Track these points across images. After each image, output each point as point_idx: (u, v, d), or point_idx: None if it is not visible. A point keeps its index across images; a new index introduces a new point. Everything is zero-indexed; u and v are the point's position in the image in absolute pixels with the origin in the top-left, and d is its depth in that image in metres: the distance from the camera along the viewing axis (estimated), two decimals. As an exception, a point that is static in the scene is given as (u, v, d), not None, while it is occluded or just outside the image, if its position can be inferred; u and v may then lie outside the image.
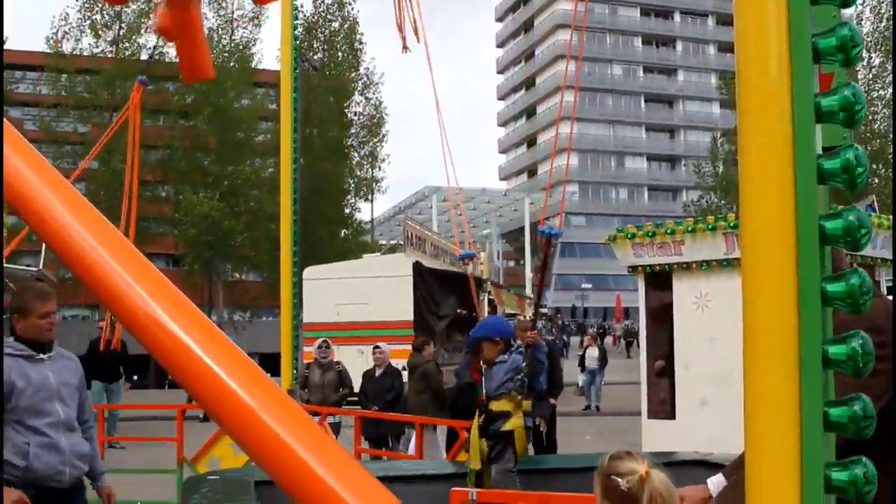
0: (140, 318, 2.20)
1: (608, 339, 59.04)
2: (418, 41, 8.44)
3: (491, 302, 34.35)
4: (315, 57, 42.07)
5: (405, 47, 8.49)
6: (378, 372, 13.64)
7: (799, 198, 2.08)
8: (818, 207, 2.10)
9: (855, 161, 2.11)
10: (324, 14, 45.41)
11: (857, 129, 2.48)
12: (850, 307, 2.08)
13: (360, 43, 46.37)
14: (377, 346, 13.97)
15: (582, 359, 26.66)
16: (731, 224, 11.24)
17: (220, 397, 2.14)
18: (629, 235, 12.47)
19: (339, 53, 45.87)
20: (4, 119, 2.47)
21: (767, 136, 2.11)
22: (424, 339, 14.99)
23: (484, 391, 6.54)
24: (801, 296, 2.07)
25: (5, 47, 42.32)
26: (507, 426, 6.19)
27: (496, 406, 6.24)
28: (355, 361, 17.19)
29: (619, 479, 2.75)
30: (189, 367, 2.17)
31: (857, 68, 43.51)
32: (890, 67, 42.27)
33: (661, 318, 12.61)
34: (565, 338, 56.00)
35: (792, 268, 2.06)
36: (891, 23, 42.65)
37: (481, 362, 6.63)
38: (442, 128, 7.95)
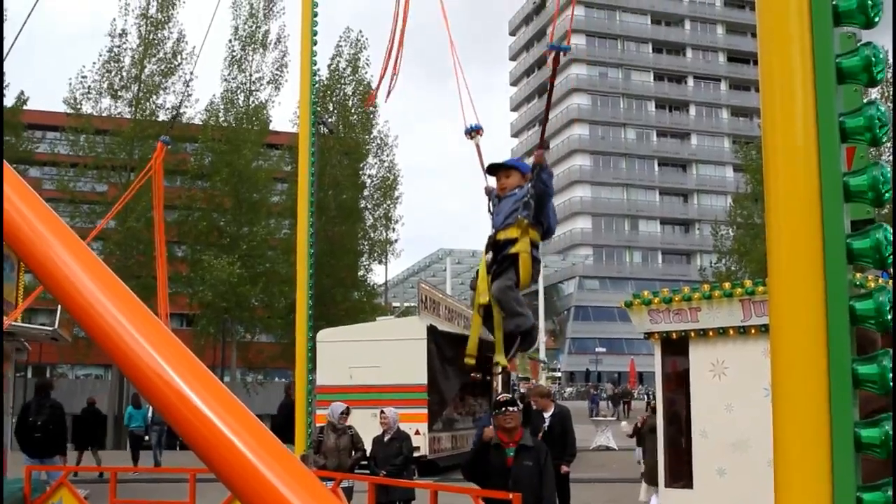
0: (153, 380, 2.19)
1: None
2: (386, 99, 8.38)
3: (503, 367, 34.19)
4: (329, 120, 42.49)
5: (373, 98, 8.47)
6: (386, 437, 13.51)
7: (829, 280, 2.07)
8: (848, 288, 2.09)
9: (885, 241, 2.10)
10: (338, 78, 45.93)
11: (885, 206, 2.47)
12: (881, 390, 2.06)
13: (374, 106, 46.87)
14: (382, 411, 13.84)
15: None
16: (748, 290, 11.19)
17: (228, 459, 2.11)
18: (645, 301, 12.42)
19: (353, 116, 46.33)
20: (22, 179, 2.48)
21: (796, 218, 2.11)
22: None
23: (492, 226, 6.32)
24: (831, 377, 2.05)
25: (27, 107, 42.91)
26: (513, 250, 5.95)
27: (503, 235, 6.00)
28: (369, 425, 17.04)
29: None
30: (198, 429, 2.15)
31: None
32: None
33: (678, 384, 12.51)
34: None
35: (823, 350, 2.05)
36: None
37: (496, 194, 6.39)
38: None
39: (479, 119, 6.99)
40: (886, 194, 2.14)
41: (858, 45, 2.23)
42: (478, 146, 6.81)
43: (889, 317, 2.08)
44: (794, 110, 2.16)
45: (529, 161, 6.10)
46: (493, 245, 6.06)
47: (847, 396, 2.05)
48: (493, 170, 6.38)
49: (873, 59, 2.19)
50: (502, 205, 6.14)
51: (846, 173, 2.15)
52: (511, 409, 8.43)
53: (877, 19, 2.23)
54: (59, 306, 18.64)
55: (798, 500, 2.04)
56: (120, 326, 2.23)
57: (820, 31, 2.18)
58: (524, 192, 5.97)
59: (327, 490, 2.18)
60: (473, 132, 6.87)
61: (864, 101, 2.26)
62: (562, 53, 5.89)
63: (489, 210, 6.29)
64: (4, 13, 31.44)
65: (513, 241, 5.91)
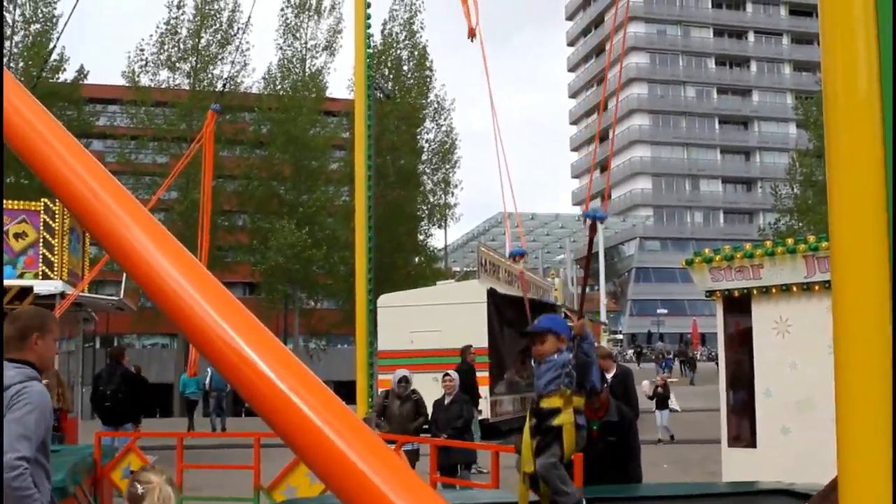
0: (218, 345, 2.20)
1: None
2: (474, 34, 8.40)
3: (566, 327, 34.16)
4: (386, 85, 42.48)
5: (472, 34, 8.43)
6: (447, 400, 13.57)
7: (894, 234, 2.00)
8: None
9: (951, 189, 2.02)
10: (392, 42, 45.88)
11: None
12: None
13: (430, 70, 46.74)
14: (447, 374, 13.90)
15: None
16: (812, 246, 10.98)
17: (294, 423, 2.12)
18: (707, 260, 12.26)
19: (410, 80, 46.29)
20: (86, 150, 2.50)
21: (858, 170, 2.04)
22: None
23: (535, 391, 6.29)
24: None
25: (87, 81, 43.45)
26: (556, 422, 5.93)
27: (546, 403, 5.96)
28: (429, 389, 17.12)
29: (138, 485, 3.76)
30: (265, 394, 2.15)
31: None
32: None
33: (741, 343, 12.36)
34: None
35: (886, 303, 1.98)
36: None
37: (533, 358, 6.37)
38: (499, 144, 7.76)
39: (523, 243, 6.91)
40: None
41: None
42: (521, 273, 6.73)
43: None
44: (857, 56, 2.08)
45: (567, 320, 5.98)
46: (537, 411, 6.03)
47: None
48: (526, 335, 6.30)
49: (938, -2, 2.10)
50: (542, 368, 6.05)
51: (908, 113, 2.07)
52: (599, 392, 8.11)
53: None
54: (124, 277, 19.01)
55: (860, 456, 1.99)
56: (183, 291, 2.24)
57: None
58: (564, 360, 5.90)
59: (391, 451, 2.17)
60: (518, 256, 6.80)
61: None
62: (599, 222, 5.81)
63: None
64: None
65: (556, 411, 5.89)
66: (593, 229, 5.82)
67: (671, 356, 60.35)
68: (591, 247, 6.06)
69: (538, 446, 5.94)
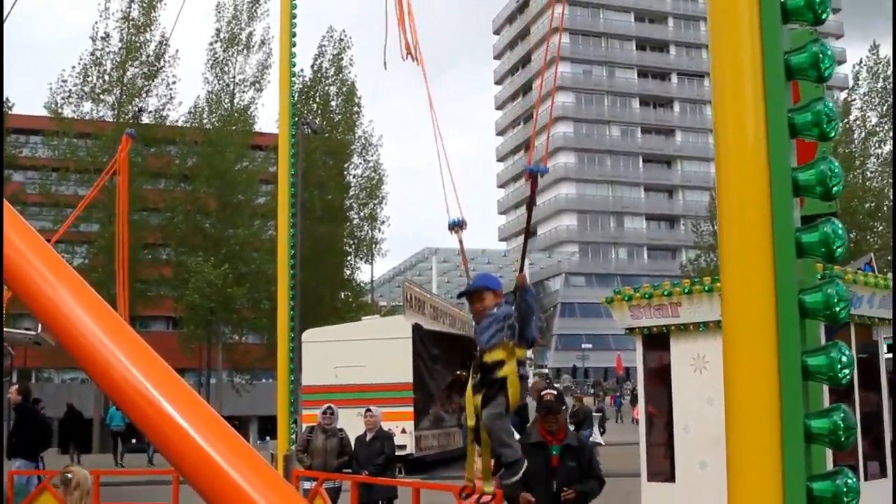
0: (118, 382, 2.19)
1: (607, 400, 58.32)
2: (414, 59, 8.31)
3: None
4: (315, 120, 42.40)
5: (409, 54, 8.34)
6: (369, 437, 13.50)
7: (778, 274, 2.09)
8: (797, 282, 2.12)
9: (833, 235, 2.12)
10: (321, 78, 45.86)
11: (834, 201, 2.50)
12: (830, 381, 2.09)
13: (358, 106, 46.82)
14: (368, 410, 13.84)
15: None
16: (728, 285, 11.21)
17: (199, 467, 2.13)
18: (626, 297, 12.45)
19: (337, 116, 46.28)
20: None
21: (745, 211, 2.13)
22: None
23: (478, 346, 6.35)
24: (781, 369, 2.07)
25: (12, 112, 42.64)
26: (500, 373, 5.99)
27: (489, 357, 6.02)
28: (354, 424, 17.07)
29: (67, 474, 6.83)
30: (165, 431, 2.15)
31: (853, 127, 43.93)
32: (887, 126, 42.64)
33: (660, 379, 12.55)
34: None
35: (773, 343, 2.07)
36: (888, 83, 43.12)
37: (474, 318, 6.44)
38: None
39: (462, 214, 6.95)
40: (835, 188, 2.16)
41: (807, 41, 2.26)
42: (461, 241, 6.83)
43: (837, 309, 2.10)
44: (745, 106, 2.18)
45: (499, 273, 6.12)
46: (481, 366, 6.05)
47: (797, 388, 2.07)
48: (464, 295, 6.44)
49: (821, 55, 2.22)
50: (483, 324, 6.14)
51: (795, 168, 2.17)
52: (558, 412, 8.15)
53: (824, 16, 2.25)
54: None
55: (750, 491, 2.07)
56: (87, 330, 2.22)
57: (768, 27, 2.21)
58: (505, 312, 5.98)
59: (293, 489, 2.19)
60: (456, 227, 6.84)
61: (813, 96, 2.28)
62: (539, 175, 5.89)
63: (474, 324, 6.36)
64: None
65: (500, 363, 5.93)
66: (534, 182, 5.92)
67: (618, 394, 61.06)
68: (532, 199, 6.16)
69: (484, 398, 6.00)
